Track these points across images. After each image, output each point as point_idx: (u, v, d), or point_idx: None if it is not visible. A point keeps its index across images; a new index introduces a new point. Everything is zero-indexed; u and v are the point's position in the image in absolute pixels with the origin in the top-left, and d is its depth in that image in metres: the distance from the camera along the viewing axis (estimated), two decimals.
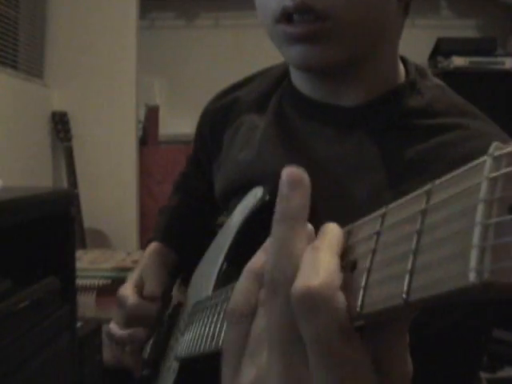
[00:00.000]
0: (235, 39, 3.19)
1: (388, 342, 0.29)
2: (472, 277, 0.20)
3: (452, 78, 2.51)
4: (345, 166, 0.62)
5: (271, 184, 0.63)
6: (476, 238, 0.20)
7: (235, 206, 0.67)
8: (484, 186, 0.21)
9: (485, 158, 0.22)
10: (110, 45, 2.83)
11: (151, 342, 0.80)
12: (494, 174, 0.21)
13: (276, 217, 0.30)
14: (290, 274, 0.28)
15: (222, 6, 3.19)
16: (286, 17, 0.57)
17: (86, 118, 2.83)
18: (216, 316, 0.51)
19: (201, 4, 3.24)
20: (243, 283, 0.33)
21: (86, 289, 2.08)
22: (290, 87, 0.70)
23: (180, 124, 3.15)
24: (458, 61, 2.68)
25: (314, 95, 0.66)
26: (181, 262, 0.87)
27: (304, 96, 0.67)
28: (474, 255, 0.20)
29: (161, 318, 0.79)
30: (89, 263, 2.21)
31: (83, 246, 2.61)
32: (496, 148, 0.22)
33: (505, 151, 0.21)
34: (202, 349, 0.52)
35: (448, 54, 2.73)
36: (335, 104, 0.65)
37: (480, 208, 0.21)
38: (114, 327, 0.79)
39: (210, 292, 0.64)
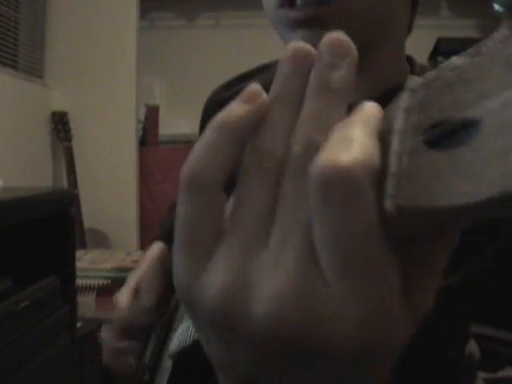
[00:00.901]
0: (235, 39, 3.19)
1: (421, 268, 0.23)
2: (388, 204, 0.20)
3: None
4: None
5: None
6: (392, 165, 0.20)
7: None
8: (399, 117, 0.22)
9: (403, 91, 0.23)
10: (110, 45, 2.83)
11: (152, 347, 0.80)
12: (407, 104, 0.22)
13: (311, 88, 0.24)
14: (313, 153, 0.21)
15: (222, 6, 3.19)
16: (288, 1, 0.57)
17: (86, 118, 2.83)
18: None
19: (201, 4, 3.24)
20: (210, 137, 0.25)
21: (86, 289, 2.08)
22: None
23: (180, 124, 3.15)
24: None
25: None
26: None
27: None
28: (390, 183, 0.20)
29: (155, 330, 0.81)
30: (89, 263, 2.21)
31: (83, 246, 2.61)
32: (411, 80, 0.23)
33: (419, 83, 0.22)
34: (192, 337, 0.52)
35: (448, 54, 2.72)
36: None
37: (396, 138, 0.21)
38: (106, 336, 0.81)
39: None
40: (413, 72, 0.65)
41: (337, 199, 0.20)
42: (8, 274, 1.24)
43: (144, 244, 2.56)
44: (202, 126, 0.84)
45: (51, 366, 1.31)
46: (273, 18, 0.61)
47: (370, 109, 0.24)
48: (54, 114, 2.76)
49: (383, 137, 0.22)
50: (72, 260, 1.47)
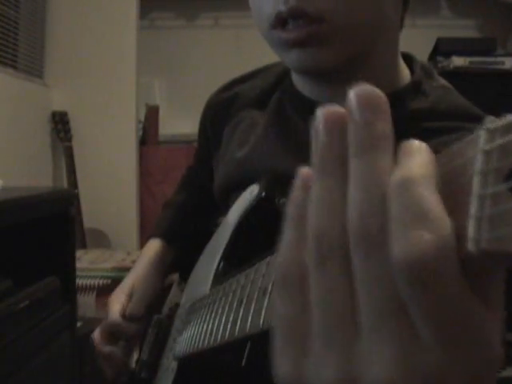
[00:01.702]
0: (235, 39, 3.19)
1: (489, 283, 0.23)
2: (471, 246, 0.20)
3: (452, 78, 2.50)
4: None
5: (267, 181, 0.63)
6: (473, 209, 0.21)
7: (233, 203, 0.67)
8: (479, 159, 0.21)
9: (480, 131, 0.22)
10: (110, 45, 2.83)
11: (150, 343, 0.80)
12: (488, 146, 0.21)
13: (352, 150, 0.23)
14: (381, 226, 0.21)
15: (222, 6, 3.19)
16: (280, 22, 0.57)
17: (86, 117, 2.83)
18: (214, 313, 0.51)
19: (201, 4, 3.24)
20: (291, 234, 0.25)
21: (86, 289, 2.08)
22: (291, 87, 0.70)
23: (180, 124, 3.15)
24: (458, 61, 2.68)
25: (315, 97, 0.66)
26: (180, 259, 0.88)
27: (305, 97, 0.67)
28: (471, 225, 0.20)
29: (152, 326, 0.83)
30: (89, 263, 2.21)
31: (83, 245, 2.61)
32: (490, 121, 0.22)
33: (499, 124, 0.22)
34: (200, 345, 0.52)
35: (448, 54, 2.73)
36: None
37: (476, 180, 0.21)
38: (97, 338, 0.83)
39: (207, 291, 0.64)
40: (412, 71, 0.65)
41: (426, 281, 0.20)
42: (8, 274, 1.24)
43: (144, 244, 2.55)
44: (202, 127, 0.84)
45: (51, 366, 1.31)
46: (267, 38, 0.61)
47: (425, 155, 0.23)
48: (54, 114, 2.76)
49: (448, 175, 0.22)
50: (72, 260, 1.47)
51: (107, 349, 0.82)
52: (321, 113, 0.25)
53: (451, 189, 0.22)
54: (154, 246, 0.89)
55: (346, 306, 0.23)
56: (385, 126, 0.23)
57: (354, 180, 0.23)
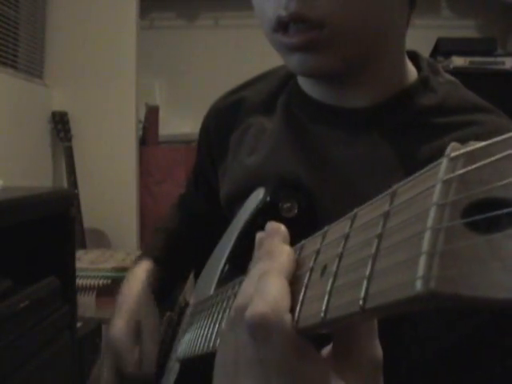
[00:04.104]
0: (235, 39, 3.19)
1: (354, 331, 0.31)
2: (419, 285, 0.19)
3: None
4: (359, 169, 0.60)
5: (273, 185, 0.63)
6: (426, 243, 0.19)
7: (239, 208, 0.67)
8: (437, 190, 0.20)
9: (442, 159, 0.21)
10: (109, 45, 2.83)
11: (159, 341, 0.79)
12: (447, 177, 0.20)
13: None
14: (246, 303, 0.31)
15: (222, 6, 3.19)
16: (282, 26, 0.56)
17: (86, 118, 2.83)
18: (210, 318, 0.51)
19: (201, 4, 3.24)
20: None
21: (86, 289, 2.08)
22: (298, 90, 0.69)
23: (180, 124, 3.15)
24: (458, 61, 2.68)
25: (323, 98, 0.65)
26: (168, 282, 0.85)
27: (313, 99, 0.66)
28: (422, 262, 0.19)
29: (162, 324, 0.78)
30: (89, 263, 2.21)
31: (83, 246, 2.61)
32: (452, 149, 0.21)
33: (461, 152, 0.20)
34: (198, 350, 0.52)
35: (448, 54, 2.73)
36: (345, 106, 0.63)
37: (432, 212, 0.20)
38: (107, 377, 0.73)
39: (210, 293, 0.64)
40: (419, 68, 0.65)
41: (263, 337, 0.29)
42: (8, 274, 1.24)
43: (143, 245, 2.56)
44: (204, 135, 0.82)
45: (51, 366, 1.31)
46: (269, 41, 0.61)
47: (282, 253, 0.33)
48: (54, 114, 2.76)
49: (319, 253, 0.30)
50: (72, 260, 1.47)
51: None
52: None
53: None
54: (147, 267, 0.83)
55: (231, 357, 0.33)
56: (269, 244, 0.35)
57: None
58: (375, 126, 0.61)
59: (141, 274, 0.81)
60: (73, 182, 2.69)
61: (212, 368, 0.36)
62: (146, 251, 0.87)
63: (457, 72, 2.64)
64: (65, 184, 2.76)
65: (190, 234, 0.88)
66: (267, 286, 0.30)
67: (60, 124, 2.75)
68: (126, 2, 2.84)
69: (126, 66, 2.85)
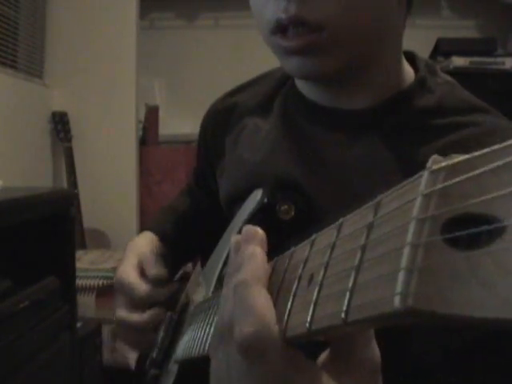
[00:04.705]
0: (235, 39, 3.19)
1: (353, 336, 0.31)
2: (397, 302, 0.19)
3: (452, 78, 2.50)
4: (357, 170, 0.60)
5: (270, 186, 0.63)
6: (405, 259, 0.19)
7: (239, 209, 0.67)
8: (418, 203, 0.20)
9: (423, 172, 0.21)
10: (110, 45, 2.83)
11: (160, 341, 0.79)
12: (428, 190, 0.20)
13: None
14: (230, 320, 0.32)
15: (222, 6, 3.19)
16: (280, 29, 0.56)
17: (86, 118, 2.83)
18: (206, 320, 0.51)
19: (201, 4, 3.24)
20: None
21: (86, 289, 2.08)
22: (295, 91, 0.69)
23: (180, 124, 3.15)
24: (458, 61, 2.68)
25: (320, 100, 0.65)
26: (175, 261, 0.85)
27: (310, 101, 0.66)
28: (401, 278, 0.19)
29: (163, 323, 0.76)
30: (89, 263, 2.21)
31: (83, 246, 2.61)
32: (434, 161, 0.20)
33: (442, 165, 0.20)
34: (194, 352, 0.51)
35: (448, 54, 2.73)
36: (343, 108, 0.63)
37: (411, 227, 0.19)
38: (127, 315, 0.72)
39: (209, 294, 0.64)
40: (416, 69, 0.65)
41: (252, 358, 0.29)
42: (8, 274, 1.24)
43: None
44: (202, 137, 0.82)
45: (51, 366, 1.31)
46: (268, 43, 0.61)
47: (255, 258, 0.33)
48: (54, 114, 2.76)
49: (307, 261, 0.29)
50: (72, 260, 1.47)
51: (135, 317, 0.71)
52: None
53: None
54: (152, 236, 0.82)
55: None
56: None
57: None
58: (373, 127, 0.61)
59: (144, 238, 0.80)
60: (73, 182, 2.69)
61: (209, 370, 0.36)
62: (151, 225, 0.85)
63: (457, 72, 2.64)
64: (65, 184, 2.76)
65: (197, 220, 0.88)
66: (249, 300, 0.30)
67: (60, 124, 2.75)
68: (126, 2, 2.84)
69: (126, 66, 2.85)
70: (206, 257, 0.76)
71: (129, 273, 0.73)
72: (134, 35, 2.86)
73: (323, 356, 0.33)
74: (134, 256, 0.76)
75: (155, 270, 0.73)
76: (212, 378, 0.36)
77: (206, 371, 0.37)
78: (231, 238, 0.38)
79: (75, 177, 2.71)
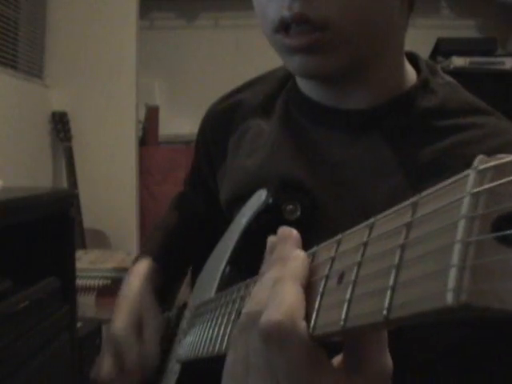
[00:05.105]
0: (235, 39, 3.19)
1: (366, 342, 0.31)
2: (449, 297, 0.19)
3: (452, 78, 2.50)
4: (359, 170, 0.60)
5: (275, 186, 0.62)
6: (456, 256, 0.19)
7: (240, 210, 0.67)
8: (466, 202, 0.20)
9: (468, 171, 0.21)
10: (109, 45, 2.83)
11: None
12: (476, 190, 0.20)
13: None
14: (259, 309, 0.32)
15: (222, 6, 3.19)
16: (284, 27, 0.56)
17: (86, 118, 2.83)
18: (215, 320, 0.50)
19: (201, 4, 3.24)
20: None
21: (86, 289, 2.08)
22: (297, 91, 0.68)
23: (180, 124, 3.15)
24: (458, 61, 2.68)
25: (322, 100, 0.65)
26: (168, 282, 0.82)
27: (312, 100, 0.66)
28: (452, 275, 0.19)
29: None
30: (89, 263, 2.21)
31: (83, 246, 2.61)
32: (480, 161, 0.21)
33: (489, 165, 0.20)
34: (201, 352, 0.51)
35: (448, 54, 2.73)
36: (345, 108, 0.63)
37: (461, 225, 0.20)
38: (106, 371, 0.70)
39: (212, 295, 0.63)
40: (418, 70, 0.65)
41: (277, 344, 0.29)
42: (8, 274, 1.24)
43: (141, 246, 2.55)
44: (201, 139, 0.81)
45: (51, 366, 1.31)
46: (270, 42, 0.61)
47: (296, 258, 0.33)
48: (54, 114, 2.76)
49: (335, 260, 0.30)
50: (72, 260, 1.47)
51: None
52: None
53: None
54: (146, 267, 0.80)
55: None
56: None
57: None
58: (375, 127, 0.61)
59: (141, 271, 0.79)
60: (73, 182, 2.69)
61: (213, 370, 0.36)
62: (144, 249, 0.85)
63: (457, 72, 2.64)
64: (65, 184, 2.76)
65: (188, 232, 0.87)
66: (282, 293, 0.31)
67: (60, 124, 2.75)
68: (126, 2, 2.84)
69: (126, 66, 2.85)
70: (203, 259, 0.76)
71: (122, 334, 0.71)
72: (134, 35, 2.86)
73: (335, 361, 0.33)
74: (131, 310, 0.73)
75: (149, 334, 0.72)
76: (226, 373, 0.35)
77: (209, 371, 0.37)
78: (268, 239, 0.38)
79: (75, 177, 2.71)
